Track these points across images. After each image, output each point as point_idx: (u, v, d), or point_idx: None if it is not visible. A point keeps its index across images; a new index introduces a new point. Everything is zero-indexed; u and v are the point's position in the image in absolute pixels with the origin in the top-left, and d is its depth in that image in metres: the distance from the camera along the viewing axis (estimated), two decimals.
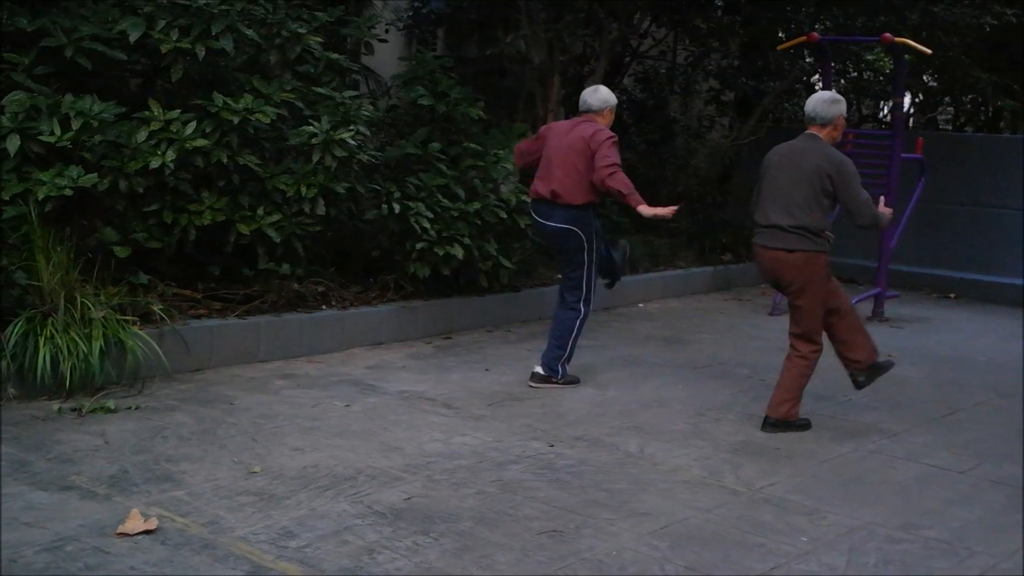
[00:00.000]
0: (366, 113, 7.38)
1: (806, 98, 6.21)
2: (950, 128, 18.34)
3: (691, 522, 4.46)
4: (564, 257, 6.60)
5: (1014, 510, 4.83)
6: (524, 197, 7.63)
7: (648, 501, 4.68)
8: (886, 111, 16.55)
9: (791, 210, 5.70)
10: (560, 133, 6.53)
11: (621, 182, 6.25)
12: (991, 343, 8.81)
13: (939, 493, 5.01)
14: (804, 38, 9.68)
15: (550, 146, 6.51)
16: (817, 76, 13.14)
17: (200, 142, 6.35)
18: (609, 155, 6.29)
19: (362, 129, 7.22)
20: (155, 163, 6.21)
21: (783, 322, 6.48)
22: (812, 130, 5.84)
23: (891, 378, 7.21)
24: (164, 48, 6.46)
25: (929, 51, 9.25)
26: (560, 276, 6.87)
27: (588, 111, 6.54)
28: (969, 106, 17.59)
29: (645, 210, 6.30)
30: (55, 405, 5.49)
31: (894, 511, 4.72)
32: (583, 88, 6.91)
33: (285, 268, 6.99)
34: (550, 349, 6.57)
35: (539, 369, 6.55)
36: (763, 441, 5.67)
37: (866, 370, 6.07)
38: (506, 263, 8.03)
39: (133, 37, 6.42)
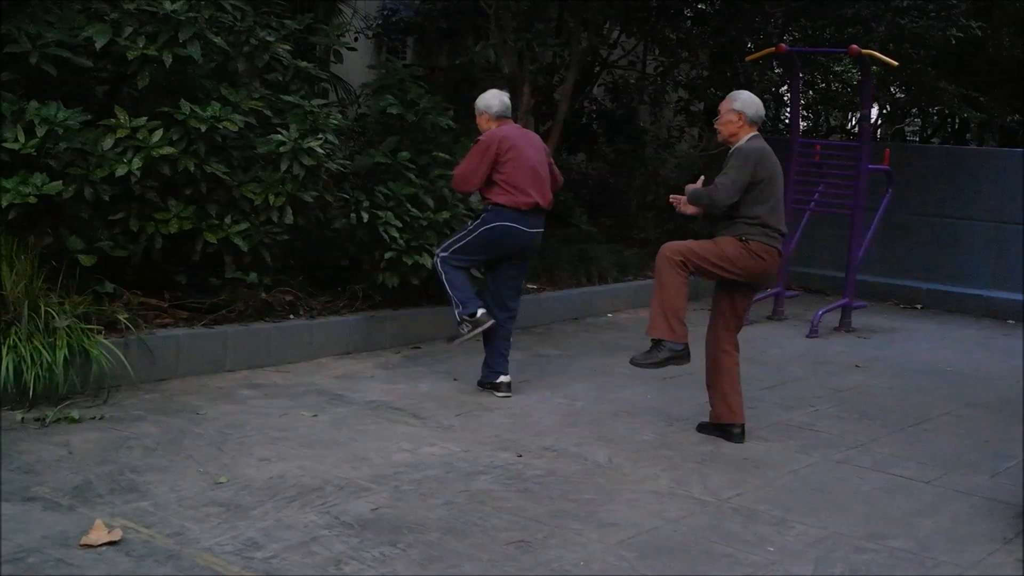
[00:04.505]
0: (335, 121, 7.34)
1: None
2: (917, 140, 18.51)
3: (659, 532, 4.46)
4: (526, 263, 6.73)
5: (979, 520, 4.86)
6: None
7: (616, 511, 4.67)
8: (854, 122, 16.68)
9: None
10: (523, 140, 6.52)
11: None
12: (957, 353, 8.87)
13: (905, 503, 5.04)
14: (772, 49, 9.74)
15: (524, 154, 6.42)
16: (785, 87, 13.24)
17: (167, 150, 6.31)
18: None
19: (331, 138, 7.19)
20: (121, 171, 6.16)
21: (747, 332, 6.49)
22: (756, 131, 5.91)
23: (859, 388, 7.28)
24: (130, 55, 6.41)
25: (896, 63, 9.33)
26: (506, 286, 6.69)
27: (509, 116, 6.69)
28: (936, 118, 17.76)
29: None
30: (18, 415, 5.42)
31: (861, 521, 4.74)
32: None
33: (253, 277, 6.94)
34: (502, 358, 6.58)
35: (506, 379, 6.53)
36: (731, 451, 5.68)
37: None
38: (475, 273, 8.01)
39: (99, 44, 6.37)
